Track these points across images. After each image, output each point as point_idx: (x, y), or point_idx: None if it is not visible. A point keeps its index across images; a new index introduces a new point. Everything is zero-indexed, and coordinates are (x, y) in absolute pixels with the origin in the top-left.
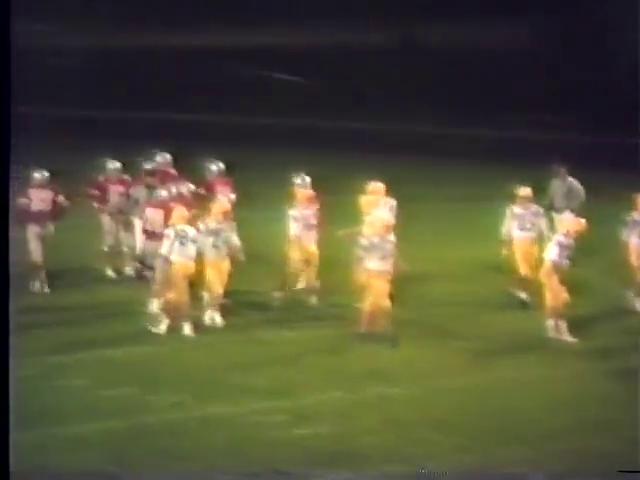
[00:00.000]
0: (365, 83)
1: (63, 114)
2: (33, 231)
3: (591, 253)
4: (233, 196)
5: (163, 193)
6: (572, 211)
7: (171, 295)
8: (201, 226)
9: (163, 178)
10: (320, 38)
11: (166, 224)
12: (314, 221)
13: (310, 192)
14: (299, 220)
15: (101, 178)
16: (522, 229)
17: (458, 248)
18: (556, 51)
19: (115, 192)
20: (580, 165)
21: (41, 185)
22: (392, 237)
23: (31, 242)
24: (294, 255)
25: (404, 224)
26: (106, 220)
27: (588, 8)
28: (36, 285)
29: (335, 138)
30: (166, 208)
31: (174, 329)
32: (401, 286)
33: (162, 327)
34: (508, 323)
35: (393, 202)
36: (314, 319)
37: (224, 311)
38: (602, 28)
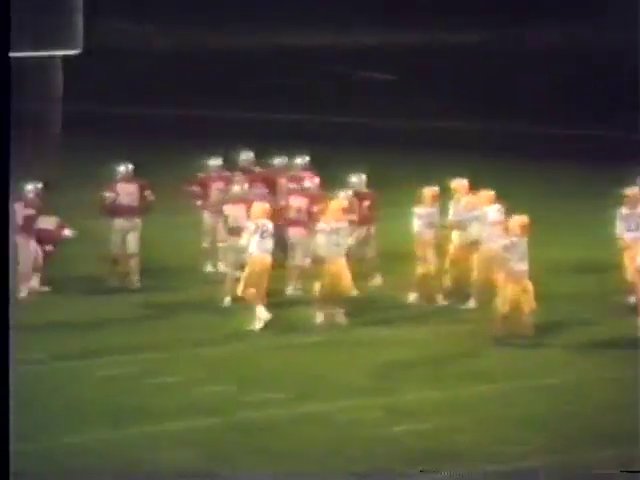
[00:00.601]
0: (462, 83)
1: (150, 113)
2: (119, 225)
3: None
4: (350, 192)
5: (236, 188)
6: None
7: (252, 289)
8: (322, 224)
9: (254, 177)
10: (416, 36)
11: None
12: (437, 219)
13: (435, 190)
14: (423, 218)
15: (202, 175)
16: (629, 230)
17: (562, 248)
18: None
19: (216, 189)
20: None
21: (127, 179)
22: (526, 237)
23: (116, 236)
24: (419, 253)
25: None
26: (206, 217)
27: None
28: (129, 279)
29: (431, 137)
30: (248, 203)
31: (276, 326)
32: None
33: (256, 323)
34: (610, 324)
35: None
36: (414, 317)
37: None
38: None
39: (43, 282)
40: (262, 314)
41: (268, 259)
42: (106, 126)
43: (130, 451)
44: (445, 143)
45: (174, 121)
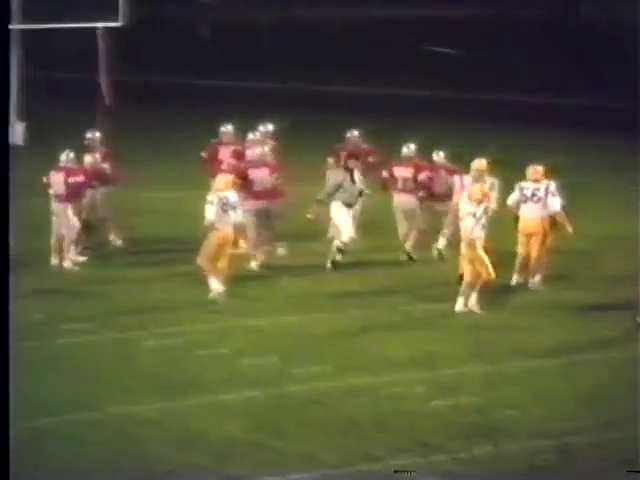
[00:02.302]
0: (521, 56)
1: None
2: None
3: None
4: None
5: (257, 151)
6: None
7: (207, 261)
8: (469, 207)
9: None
10: (476, 10)
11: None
12: (541, 196)
13: (539, 169)
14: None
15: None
16: None
17: (605, 222)
18: None
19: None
20: None
21: (97, 145)
22: None
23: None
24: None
25: None
26: None
27: None
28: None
29: (488, 110)
30: (271, 166)
31: (305, 301)
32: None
33: (215, 287)
34: None
35: (495, 180)
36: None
37: None
38: None
39: (80, 252)
40: (215, 286)
41: (229, 232)
42: (148, 96)
43: (178, 421)
44: (507, 115)
45: (224, 92)
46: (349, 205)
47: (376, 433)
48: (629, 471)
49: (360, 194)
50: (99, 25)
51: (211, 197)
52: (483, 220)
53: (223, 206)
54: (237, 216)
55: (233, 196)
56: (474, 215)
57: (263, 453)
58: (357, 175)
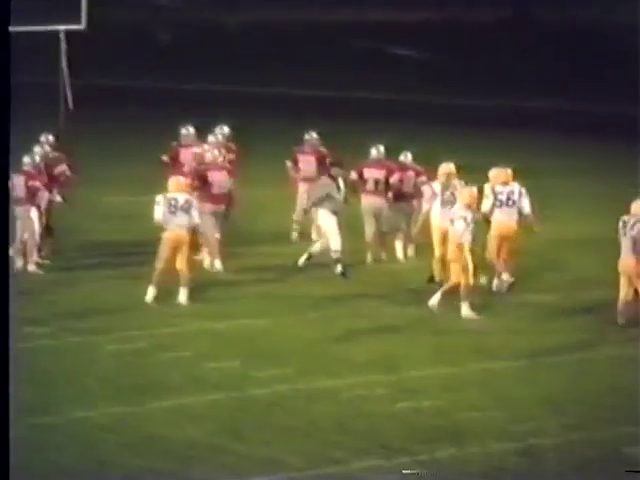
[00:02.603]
0: (479, 59)
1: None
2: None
3: None
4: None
5: (208, 155)
6: None
7: (161, 263)
8: (461, 211)
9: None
10: (432, 13)
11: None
12: (515, 199)
13: (509, 172)
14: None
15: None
16: None
17: (584, 224)
18: None
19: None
20: None
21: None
22: None
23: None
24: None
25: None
26: (302, 189)
27: None
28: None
29: (447, 114)
30: (230, 170)
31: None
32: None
33: (149, 296)
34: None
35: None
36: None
37: None
38: None
39: (42, 255)
40: (150, 293)
41: (181, 233)
42: (110, 99)
43: (140, 425)
44: (456, 119)
45: (185, 94)
46: (336, 213)
47: (339, 436)
48: (628, 471)
49: (345, 201)
50: (61, 28)
51: (158, 198)
52: (472, 225)
53: (171, 207)
54: (191, 218)
55: (182, 197)
56: (465, 219)
57: (226, 457)
58: (341, 182)
